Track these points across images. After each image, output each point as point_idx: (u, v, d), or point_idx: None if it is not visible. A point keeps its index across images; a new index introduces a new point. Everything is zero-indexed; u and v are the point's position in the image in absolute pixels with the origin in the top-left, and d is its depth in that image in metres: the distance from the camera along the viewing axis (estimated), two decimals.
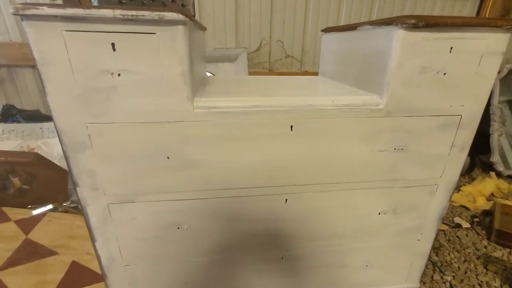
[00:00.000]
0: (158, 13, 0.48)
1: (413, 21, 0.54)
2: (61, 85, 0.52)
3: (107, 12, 0.47)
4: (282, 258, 0.79)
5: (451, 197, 0.76)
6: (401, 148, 0.68)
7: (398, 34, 0.56)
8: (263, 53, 1.87)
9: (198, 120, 0.58)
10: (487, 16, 1.92)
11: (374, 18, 1.86)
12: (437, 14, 1.92)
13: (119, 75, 0.52)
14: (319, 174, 0.68)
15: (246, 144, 0.62)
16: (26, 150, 1.28)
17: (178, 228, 0.68)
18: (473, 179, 1.75)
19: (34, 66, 1.76)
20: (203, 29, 0.82)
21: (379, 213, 0.76)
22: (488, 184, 1.63)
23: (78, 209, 1.26)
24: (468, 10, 1.96)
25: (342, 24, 1.84)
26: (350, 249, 0.80)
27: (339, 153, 0.66)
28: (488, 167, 1.83)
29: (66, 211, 1.24)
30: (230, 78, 0.92)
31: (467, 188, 1.63)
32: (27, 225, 1.11)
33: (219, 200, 0.67)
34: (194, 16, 0.66)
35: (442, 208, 0.78)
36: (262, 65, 1.90)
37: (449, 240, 1.26)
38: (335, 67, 0.89)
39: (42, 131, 1.38)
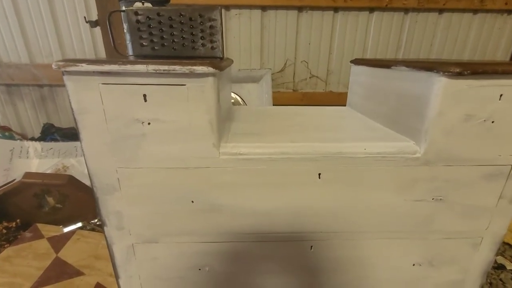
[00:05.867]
0: (189, 67, 0.49)
1: (457, 70, 0.50)
2: (95, 133, 0.54)
3: (141, 68, 0.48)
4: None
5: (497, 251, 0.68)
6: (440, 198, 0.62)
7: (440, 82, 0.52)
8: (287, 74, 1.86)
9: (224, 166, 0.57)
10: None
11: (404, 40, 1.78)
12: (474, 32, 1.80)
13: (149, 123, 0.53)
14: (347, 222, 0.64)
15: (272, 190, 0.60)
16: (61, 168, 1.36)
17: (200, 269, 0.67)
18: None
19: None
20: (231, 63, 0.83)
21: (413, 264, 0.70)
22: None
23: None
24: (511, 25, 1.82)
25: (369, 46, 1.79)
26: None
27: (370, 202, 0.62)
28: None
29: (93, 229, 1.29)
30: (254, 110, 0.91)
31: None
32: (58, 242, 1.17)
33: (242, 244, 0.65)
34: (223, 57, 0.66)
35: (487, 262, 0.70)
36: (286, 85, 1.89)
37: (491, 283, 1.13)
38: (364, 101, 0.85)
39: (76, 149, 1.47)
